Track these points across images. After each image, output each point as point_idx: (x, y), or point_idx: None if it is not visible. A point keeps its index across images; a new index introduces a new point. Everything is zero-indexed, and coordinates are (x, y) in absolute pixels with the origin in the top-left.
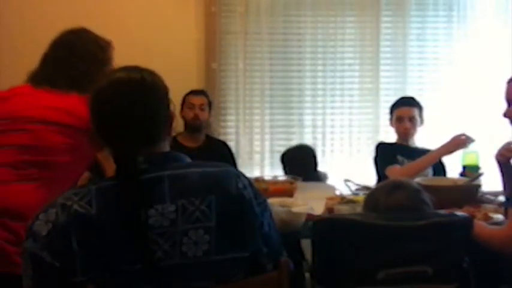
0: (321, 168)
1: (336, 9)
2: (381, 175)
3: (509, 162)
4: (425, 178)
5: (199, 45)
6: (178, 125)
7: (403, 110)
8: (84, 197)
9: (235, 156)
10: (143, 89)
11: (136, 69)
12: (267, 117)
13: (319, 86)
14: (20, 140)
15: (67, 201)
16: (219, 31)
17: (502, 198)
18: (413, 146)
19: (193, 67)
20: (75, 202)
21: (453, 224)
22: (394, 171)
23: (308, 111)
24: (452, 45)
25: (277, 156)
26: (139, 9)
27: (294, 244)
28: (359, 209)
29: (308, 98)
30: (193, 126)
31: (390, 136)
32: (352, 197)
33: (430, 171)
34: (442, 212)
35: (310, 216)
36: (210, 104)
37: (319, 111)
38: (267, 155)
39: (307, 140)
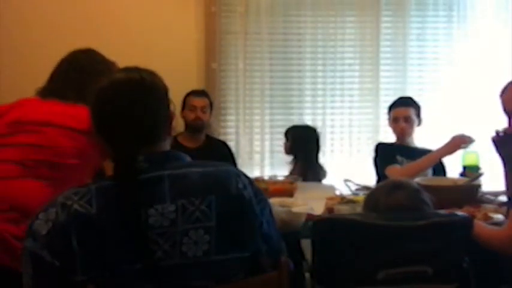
0: None
1: (336, 9)
2: (380, 175)
3: None
4: (425, 178)
5: (199, 45)
6: (179, 125)
7: (398, 111)
8: (84, 197)
9: (235, 156)
10: (143, 89)
11: (135, 69)
12: (267, 117)
13: (319, 86)
14: (29, 140)
15: (67, 200)
16: (219, 31)
17: (502, 198)
18: (412, 146)
19: (193, 67)
20: (75, 201)
21: (453, 224)
22: (394, 171)
23: (308, 111)
24: (452, 45)
25: (277, 156)
26: (139, 9)
27: (294, 244)
28: (359, 209)
29: (308, 98)
30: (194, 127)
31: (390, 136)
32: (352, 197)
33: (430, 171)
34: (442, 212)
35: (310, 216)
36: (211, 105)
37: (319, 111)
38: (267, 155)
39: None
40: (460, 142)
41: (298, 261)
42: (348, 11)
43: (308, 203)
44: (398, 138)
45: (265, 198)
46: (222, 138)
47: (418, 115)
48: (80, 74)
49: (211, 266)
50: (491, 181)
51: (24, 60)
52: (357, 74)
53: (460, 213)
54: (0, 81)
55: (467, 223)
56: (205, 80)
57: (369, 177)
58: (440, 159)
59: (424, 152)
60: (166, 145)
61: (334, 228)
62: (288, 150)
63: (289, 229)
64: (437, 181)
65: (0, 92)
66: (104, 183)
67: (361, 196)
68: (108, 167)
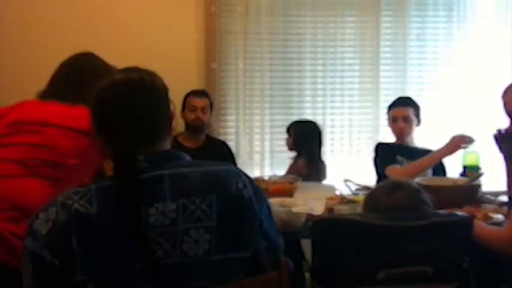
0: None
1: (336, 9)
2: (380, 175)
3: None
4: (425, 178)
5: (199, 45)
6: (179, 125)
7: (397, 110)
8: (85, 196)
9: (235, 156)
10: (142, 89)
11: (135, 70)
12: (267, 117)
13: (319, 86)
14: (29, 139)
15: (67, 200)
16: (219, 31)
17: (502, 198)
18: (412, 146)
19: (193, 67)
20: (75, 201)
21: (453, 224)
22: (394, 171)
23: (308, 111)
24: (452, 45)
25: (277, 156)
26: (139, 9)
27: (294, 244)
28: (359, 209)
29: (308, 98)
30: (194, 128)
31: (390, 136)
32: (352, 197)
33: (430, 171)
34: (442, 212)
35: (310, 216)
36: (211, 105)
37: (319, 111)
38: (267, 155)
39: None
40: (460, 142)
41: (298, 261)
42: (348, 11)
43: (308, 203)
44: (397, 138)
45: (265, 196)
46: (222, 138)
47: (417, 115)
48: (81, 77)
49: (211, 265)
50: (491, 181)
51: (24, 60)
52: (357, 74)
53: (460, 213)
54: (0, 82)
55: (467, 223)
56: (205, 80)
57: (369, 177)
58: (440, 160)
59: (424, 152)
60: (167, 145)
61: (334, 228)
62: (291, 146)
63: (289, 229)
64: (437, 181)
65: (0, 92)
66: (104, 183)
67: (361, 196)
68: (108, 167)
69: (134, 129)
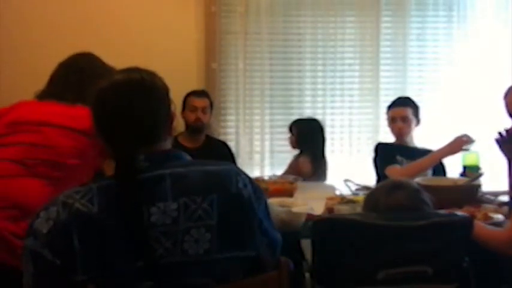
0: None
1: (336, 9)
2: (380, 175)
3: None
4: (425, 178)
5: (199, 45)
6: (179, 125)
7: (395, 111)
8: (86, 196)
9: (235, 156)
10: (143, 89)
11: (136, 70)
12: (267, 117)
13: (319, 86)
14: (28, 139)
15: (68, 199)
16: (219, 31)
17: (502, 198)
18: (412, 146)
19: (193, 67)
20: (76, 200)
21: (453, 224)
22: (394, 171)
23: (308, 111)
24: (452, 45)
25: (277, 156)
26: (139, 9)
27: (294, 244)
28: (359, 209)
29: (308, 98)
30: (195, 128)
31: (390, 136)
32: (352, 197)
33: (430, 171)
34: (442, 212)
35: (310, 216)
36: (211, 105)
37: (319, 111)
38: (267, 155)
39: None
40: (462, 143)
41: (298, 261)
42: (348, 11)
43: (308, 203)
44: (396, 138)
45: (263, 195)
46: (222, 138)
47: (416, 115)
48: (80, 77)
49: (211, 264)
50: (491, 181)
51: (24, 60)
52: (357, 74)
53: (460, 213)
54: (0, 81)
55: (467, 223)
56: (205, 80)
57: (369, 177)
58: (440, 160)
59: (424, 152)
60: (167, 145)
61: (334, 228)
62: (294, 144)
63: (289, 229)
64: (437, 181)
65: (0, 92)
66: (105, 182)
67: (361, 196)
68: (108, 167)
69: (134, 129)
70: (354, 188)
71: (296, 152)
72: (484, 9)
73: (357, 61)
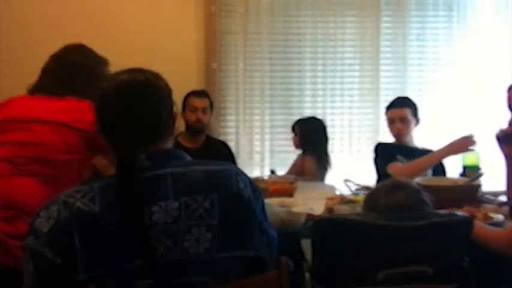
0: None
1: (336, 9)
2: (381, 175)
3: None
4: (425, 178)
5: (199, 45)
6: (179, 125)
7: (394, 112)
8: (87, 195)
9: (235, 156)
10: (146, 90)
11: (140, 71)
12: (267, 117)
13: (319, 86)
14: (18, 137)
15: (69, 198)
16: (219, 31)
17: (502, 198)
18: (412, 146)
19: (193, 67)
20: (77, 200)
21: (453, 224)
22: (396, 168)
23: (308, 111)
24: (452, 45)
25: (277, 156)
26: (139, 9)
27: (294, 244)
28: (359, 209)
29: (308, 98)
30: (195, 129)
31: (390, 136)
32: (352, 197)
33: (430, 171)
34: (442, 212)
35: (310, 216)
36: (211, 105)
37: (319, 111)
38: (267, 155)
39: None
40: (467, 144)
41: (298, 261)
42: (348, 11)
43: (308, 203)
44: (395, 139)
45: (261, 195)
46: (222, 138)
47: (415, 115)
48: (71, 70)
49: (211, 263)
50: (491, 181)
51: (24, 60)
52: (357, 74)
53: (460, 213)
54: (0, 81)
55: (467, 223)
56: (205, 80)
57: (369, 177)
58: (443, 159)
59: (424, 152)
60: (169, 145)
61: (334, 228)
62: (298, 144)
63: (289, 229)
64: (437, 181)
65: (0, 92)
66: (107, 181)
67: (361, 196)
68: (99, 163)
69: (136, 129)
70: (354, 188)
71: (299, 151)
72: (484, 9)
73: (357, 61)
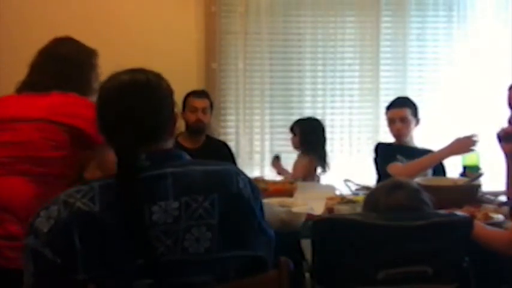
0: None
1: (336, 9)
2: (381, 175)
3: None
4: (425, 178)
5: (199, 45)
6: (180, 125)
7: (394, 112)
8: (87, 194)
9: (235, 156)
10: (147, 90)
11: (142, 71)
12: (267, 117)
13: (319, 86)
14: (5, 138)
15: (69, 198)
16: (219, 31)
17: (502, 198)
18: (412, 146)
19: (193, 67)
20: (77, 199)
21: (453, 224)
22: (396, 168)
23: (308, 111)
24: (452, 45)
25: None
26: (139, 9)
27: (294, 244)
28: (359, 209)
29: (308, 98)
30: (195, 129)
31: (390, 136)
32: (352, 197)
33: (430, 171)
34: (442, 212)
35: (310, 216)
36: (211, 106)
37: (319, 111)
38: (267, 155)
39: None
40: (470, 144)
41: (298, 261)
42: (348, 11)
43: (308, 203)
44: (395, 139)
45: (260, 195)
46: (222, 138)
47: (415, 115)
48: (63, 64)
49: (211, 263)
50: (491, 181)
51: (24, 60)
52: (357, 74)
53: (460, 213)
54: (0, 82)
55: (467, 223)
56: (205, 80)
57: (369, 177)
58: (444, 159)
59: (424, 152)
60: (169, 145)
61: (334, 228)
62: (297, 145)
63: (289, 229)
64: (437, 181)
65: (0, 92)
66: (107, 181)
67: (361, 196)
68: (88, 160)
69: (136, 129)
70: (354, 188)
71: (298, 152)
72: (484, 9)
73: (357, 61)
